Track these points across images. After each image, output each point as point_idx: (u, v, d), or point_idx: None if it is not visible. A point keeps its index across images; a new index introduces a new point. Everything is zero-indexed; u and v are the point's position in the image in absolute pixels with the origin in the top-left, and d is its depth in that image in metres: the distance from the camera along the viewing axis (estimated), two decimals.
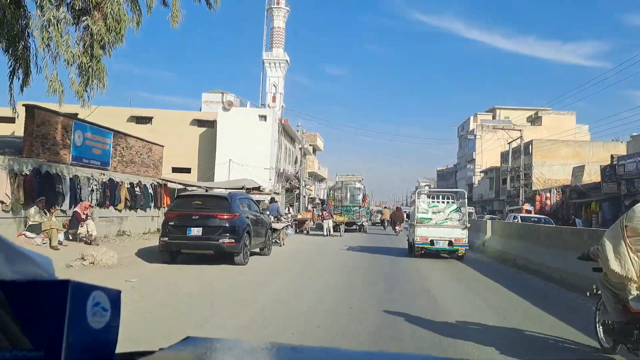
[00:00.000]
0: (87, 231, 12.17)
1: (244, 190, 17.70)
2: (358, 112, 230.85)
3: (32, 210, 11.01)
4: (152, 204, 17.77)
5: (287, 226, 16.83)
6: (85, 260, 9.36)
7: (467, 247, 12.94)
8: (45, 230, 10.75)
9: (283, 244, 16.09)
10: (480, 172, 59.90)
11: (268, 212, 13.71)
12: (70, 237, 12.12)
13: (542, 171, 41.60)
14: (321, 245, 17.70)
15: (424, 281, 9.41)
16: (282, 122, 34.92)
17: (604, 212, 26.97)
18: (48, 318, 0.59)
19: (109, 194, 14.75)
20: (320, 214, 24.69)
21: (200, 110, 37.59)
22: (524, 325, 5.63)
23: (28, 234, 10.62)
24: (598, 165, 35.39)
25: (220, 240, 9.85)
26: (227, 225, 9.98)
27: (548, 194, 32.84)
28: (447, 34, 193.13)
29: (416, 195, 15.10)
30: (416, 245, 12.85)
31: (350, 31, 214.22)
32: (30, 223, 10.92)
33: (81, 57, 7.94)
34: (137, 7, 9.28)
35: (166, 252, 10.13)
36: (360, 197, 27.51)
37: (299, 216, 25.44)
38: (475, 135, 61.36)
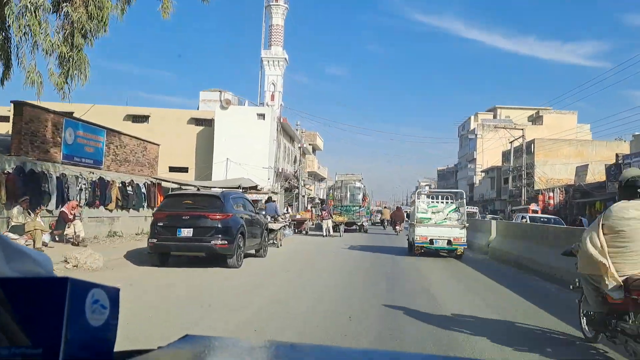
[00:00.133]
0: (75, 232, 11.65)
1: (241, 190, 17.16)
2: (358, 112, 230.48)
3: (15, 210, 10.48)
4: (146, 204, 17.24)
5: (284, 226, 16.28)
6: (68, 263, 8.84)
7: (466, 246, 13.23)
8: (29, 231, 10.22)
9: (280, 245, 15.58)
10: (481, 171, 59.45)
11: (264, 212, 13.18)
12: (57, 238, 11.61)
13: (544, 170, 41.11)
14: (320, 246, 17.29)
15: (423, 280, 9.56)
16: (281, 120, 34.40)
17: None
18: (47, 315, 0.59)
19: (99, 194, 14.22)
20: (320, 213, 24.15)
21: (198, 109, 37.07)
22: (516, 319, 5.94)
23: (10, 235, 10.06)
24: (601, 164, 34.91)
25: (212, 242, 9.33)
26: (219, 225, 9.45)
27: (551, 194, 32.31)
28: (447, 33, 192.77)
29: (416, 195, 15.41)
30: (416, 245, 13.17)
31: (350, 31, 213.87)
32: (12, 224, 10.39)
33: (61, 46, 7.41)
34: None
35: (155, 254, 9.60)
36: (360, 196, 26.99)
37: (298, 216, 24.90)
38: (476, 135, 60.88)
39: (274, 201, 19.76)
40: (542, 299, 7.27)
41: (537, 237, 10.49)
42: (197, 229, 9.37)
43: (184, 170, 32.66)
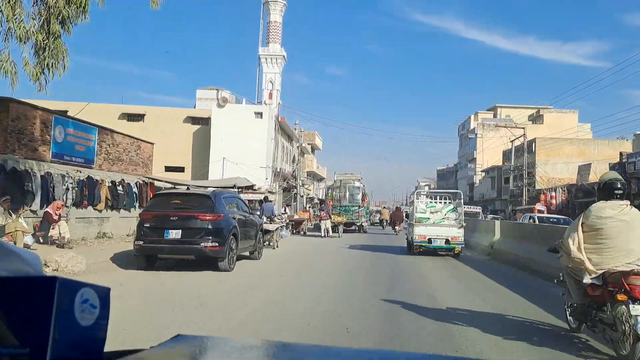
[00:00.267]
0: (59, 233, 11.09)
1: (236, 189, 16.61)
2: (358, 112, 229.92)
3: None
4: (137, 204, 16.68)
5: (281, 227, 15.73)
6: (47, 267, 8.28)
7: (463, 245, 13.65)
8: (9, 232, 9.66)
9: (277, 247, 15.07)
10: (482, 171, 58.96)
11: (259, 213, 12.63)
12: (41, 240, 11.04)
13: (545, 170, 40.60)
14: (318, 247, 16.84)
15: (422, 278, 9.84)
16: (279, 119, 33.82)
17: None
18: (35, 315, 0.59)
19: (87, 193, 13.65)
20: (318, 214, 23.61)
21: (194, 107, 36.49)
22: (507, 312, 6.30)
23: None
24: (604, 163, 34.44)
25: (202, 244, 8.78)
26: (209, 227, 8.91)
27: (553, 193, 31.77)
28: (447, 33, 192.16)
29: (415, 195, 15.84)
30: (415, 244, 13.59)
31: (349, 31, 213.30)
32: None
33: (36, 34, 6.88)
34: None
35: (141, 257, 9.05)
36: (359, 196, 26.45)
37: (296, 217, 24.36)
38: (476, 134, 60.36)
39: (271, 201, 19.22)
40: (535, 296, 7.45)
41: (546, 238, 9.94)
42: (186, 230, 8.82)
43: (180, 169, 32.11)
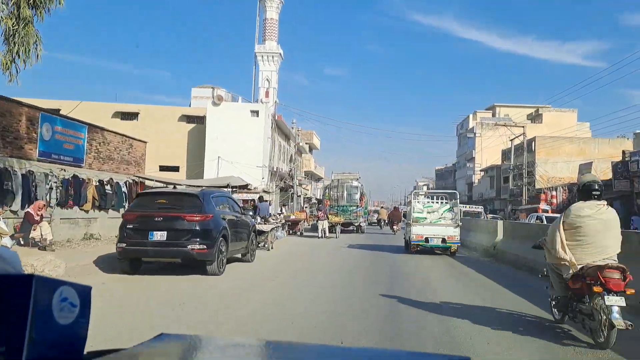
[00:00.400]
0: (41, 235, 10.53)
1: (229, 189, 16.04)
2: (356, 112, 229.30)
3: None
4: (127, 204, 16.11)
5: (276, 228, 15.18)
6: (24, 271, 7.69)
7: (459, 244, 14.00)
8: None
9: (271, 248, 14.53)
10: (480, 170, 58.51)
11: (252, 213, 12.09)
12: (22, 242, 10.47)
13: (545, 169, 40.14)
14: (315, 248, 16.36)
15: (420, 275, 10.24)
16: (276, 118, 33.25)
17: (615, 211, 25.37)
18: (11, 313, 0.58)
19: (72, 193, 13.06)
20: (316, 213, 23.05)
21: (189, 106, 35.90)
22: (498, 306, 6.63)
23: None
24: (604, 162, 33.98)
25: (189, 246, 8.23)
26: (197, 228, 8.35)
27: (554, 192, 31.27)
28: (445, 34, 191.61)
29: (412, 195, 16.16)
30: (412, 243, 13.93)
31: (348, 31, 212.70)
32: None
33: (5, 19, 6.33)
34: None
35: (125, 260, 8.49)
36: (357, 196, 25.90)
37: (292, 217, 23.79)
38: (475, 134, 59.89)
39: (266, 201, 18.67)
40: (527, 292, 7.64)
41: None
42: (172, 231, 8.27)
43: (175, 169, 31.55)
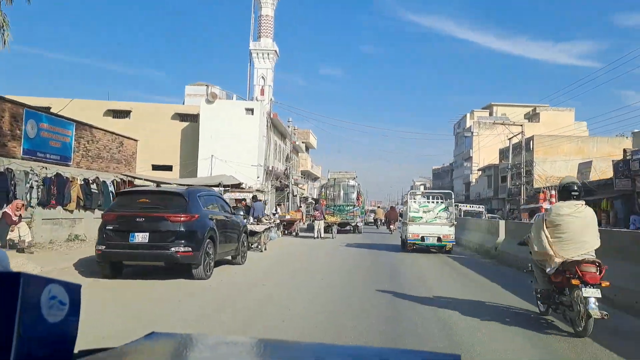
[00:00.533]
0: (19, 236, 9.94)
1: (221, 188, 15.52)
2: (354, 112, 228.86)
3: None
4: None
5: (269, 228, 14.64)
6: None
7: (454, 243, 14.42)
8: None
9: (265, 249, 13.99)
10: (478, 170, 58.13)
11: (242, 213, 11.53)
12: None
13: (544, 168, 39.72)
14: (310, 248, 15.88)
15: (416, 271, 10.69)
16: (271, 116, 32.65)
17: (615, 210, 24.99)
18: None
19: (55, 192, 12.46)
20: (312, 213, 22.50)
21: (183, 104, 35.26)
22: (487, 299, 6.98)
23: None
24: (604, 161, 33.61)
25: (173, 249, 7.67)
26: (182, 229, 7.80)
27: (553, 192, 30.73)
28: (442, 34, 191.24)
29: (409, 195, 16.63)
30: (408, 242, 14.34)
31: (345, 31, 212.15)
32: None
33: None
34: None
35: (105, 263, 7.93)
36: (354, 195, 25.38)
37: (288, 217, 23.23)
38: (472, 133, 59.48)
39: (260, 200, 18.11)
40: (518, 287, 7.79)
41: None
42: (155, 233, 7.71)
43: (168, 168, 30.94)
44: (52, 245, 11.89)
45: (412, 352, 0.94)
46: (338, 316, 5.81)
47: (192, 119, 31.75)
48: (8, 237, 9.98)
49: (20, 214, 10.26)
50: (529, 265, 6.03)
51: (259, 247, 13.81)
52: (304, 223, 24.87)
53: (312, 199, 42.57)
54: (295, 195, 40.18)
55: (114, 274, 8.00)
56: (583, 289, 4.80)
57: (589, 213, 5.32)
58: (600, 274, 4.91)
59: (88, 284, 7.61)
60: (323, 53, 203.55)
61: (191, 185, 12.71)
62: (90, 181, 14.42)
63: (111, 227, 7.76)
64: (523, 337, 4.98)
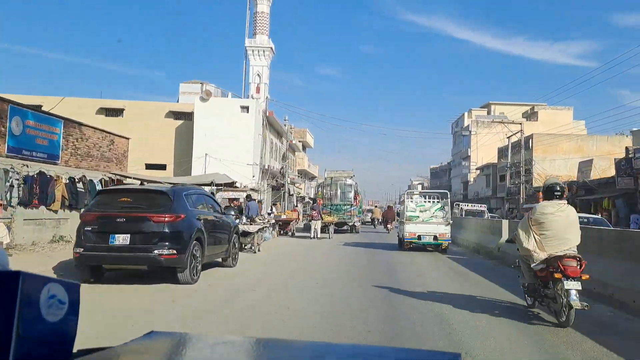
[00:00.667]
0: None
1: (214, 187, 14.98)
2: (351, 112, 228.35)
3: None
4: None
5: (263, 229, 14.11)
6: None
7: (450, 241, 14.75)
8: None
9: (258, 250, 13.46)
10: (476, 169, 57.72)
11: (233, 213, 11.01)
12: None
13: (543, 167, 39.29)
14: (306, 249, 15.43)
15: (413, 268, 11.15)
16: (267, 114, 32.09)
17: (617, 209, 24.54)
18: None
19: (37, 191, 11.90)
20: (309, 212, 21.98)
21: (178, 102, 34.65)
22: (477, 294, 7.37)
23: None
24: (603, 159, 33.21)
25: (156, 252, 7.14)
26: (166, 230, 7.26)
27: None
28: (439, 34, 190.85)
29: (406, 195, 16.93)
30: (405, 240, 14.60)
31: (343, 30, 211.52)
32: None
33: None
34: None
35: (83, 267, 7.39)
36: (351, 194, 24.85)
37: (283, 216, 22.70)
38: (470, 132, 59.07)
39: (254, 199, 17.58)
40: (508, 283, 8.04)
41: (585, 243, 8.32)
42: (137, 234, 7.17)
43: (162, 167, 30.37)
44: (34, 247, 11.34)
45: (412, 351, 0.91)
46: (337, 316, 5.65)
47: (187, 117, 31.18)
48: None
49: None
50: (517, 261, 6.40)
51: (252, 248, 13.29)
52: (300, 222, 24.37)
53: (309, 198, 42.10)
54: (292, 195, 39.66)
55: (94, 278, 7.47)
56: (565, 282, 5.13)
57: (571, 212, 5.70)
58: (580, 268, 5.26)
59: None
60: (322, 53, 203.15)
61: (182, 183, 12.15)
62: (77, 180, 13.86)
63: (90, 228, 7.22)
64: (510, 326, 5.34)
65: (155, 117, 30.98)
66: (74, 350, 0.71)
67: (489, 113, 64.56)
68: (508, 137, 38.13)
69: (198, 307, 6.18)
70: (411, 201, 15.91)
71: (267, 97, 33.40)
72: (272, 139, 35.96)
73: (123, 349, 0.75)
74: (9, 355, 0.56)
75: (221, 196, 17.26)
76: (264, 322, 5.42)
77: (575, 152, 39.53)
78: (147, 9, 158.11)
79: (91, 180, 14.55)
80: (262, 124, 31.45)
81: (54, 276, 6.44)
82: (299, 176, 48.98)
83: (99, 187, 14.30)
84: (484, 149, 53.28)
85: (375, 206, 46.05)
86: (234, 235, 10.03)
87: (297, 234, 21.86)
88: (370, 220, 34.87)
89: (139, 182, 15.53)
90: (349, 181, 25.55)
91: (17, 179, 11.32)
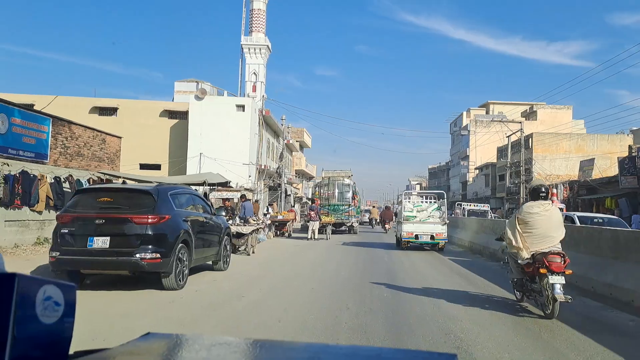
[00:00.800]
0: None
1: (207, 187, 14.44)
2: (351, 113, 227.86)
3: None
4: None
5: (257, 230, 13.58)
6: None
7: (447, 240, 15.03)
8: None
9: (252, 252, 12.94)
10: (475, 168, 57.28)
11: (224, 213, 10.47)
12: None
13: (543, 166, 38.86)
14: (303, 250, 14.97)
15: (410, 265, 11.69)
16: (264, 113, 31.55)
17: (620, 209, 24.07)
18: None
19: (20, 191, 11.35)
20: (307, 213, 21.47)
21: (173, 100, 34.09)
22: (471, 289, 7.81)
23: None
24: (604, 158, 32.81)
25: (138, 255, 6.60)
26: (149, 232, 6.73)
27: (555, 190, 29.88)
28: (437, 34, 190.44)
29: (403, 195, 17.18)
30: (403, 240, 14.93)
31: (340, 31, 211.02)
32: None
33: None
34: None
35: (60, 273, 6.86)
36: (349, 194, 24.34)
37: (280, 217, 22.17)
38: (469, 131, 58.62)
39: (249, 199, 17.05)
40: (501, 279, 8.35)
41: (589, 244, 7.83)
42: (117, 237, 6.63)
43: (156, 167, 29.80)
44: (16, 249, 10.81)
45: (409, 352, 0.93)
46: (333, 334, 5.01)
47: (182, 116, 30.63)
48: None
49: None
50: (505, 257, 6.78)
51: (246, 250, 12.77)
52: (297, 223, 23.85)
53: (307, 198, 41.55)
54: (289, 195, 39.11)
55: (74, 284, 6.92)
56: (550, 277, 5.47)
57: (555, 211, 6.10)
58: (564, 263, 5.59)
59: None
60: (318, 53, 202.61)
61: (168, 183, 11.60)
62: (63, 180, 13.30)
63: (66, 231, 6.68)
64: (499, 318, 5.71)
65: (150, 116, 30.43)
66: (70, 352, 0.70)
67: (487, 112, 64.15)
68: (508, 136, 37.68)
69: (179, 317, 5.64)
70: (409, 201, 16.25)
71: (263, 96, 32.84)
72: (268, 139, 35.43)
73: (120, 350, 0.75)
74: (5, 357, 0.55)
75: (215, 196, 16.74)
76: (248, 336, 4.90)
77: (576, 151, 39.14)
78: (141, 6, 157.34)
79: (78, 180, 14.01)
80: (259, 123, 30.91)
81: None
82: (296, 176, 48.44)
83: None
84: (483, 148, 52.88)
85: (373, 206, 45.80)
86: (225, 237, 9.50)
87: (294, 235, 21.35)
88: (368, 220, 34.90)
89: (131, 181, 14.99)
90: (346, 181, 25.06)
91: None
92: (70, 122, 17.54)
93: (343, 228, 24.06)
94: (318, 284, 8.16)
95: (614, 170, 29.51)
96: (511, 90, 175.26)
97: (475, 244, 14.83)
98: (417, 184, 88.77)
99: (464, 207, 29.35)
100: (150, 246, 6.69)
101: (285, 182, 32.65)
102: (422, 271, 10.33)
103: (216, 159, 26.21)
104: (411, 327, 5.22)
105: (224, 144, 27.96)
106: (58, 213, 7.11)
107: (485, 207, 29.38)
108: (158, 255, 6.69)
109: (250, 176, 29.17)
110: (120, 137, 21.38)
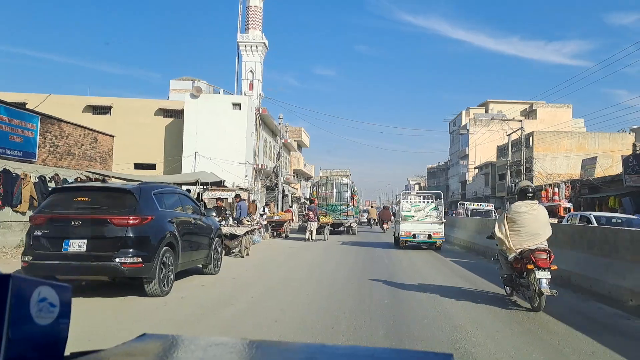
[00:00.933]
0: None
1: (200, 187, 13.91)
2: (350, 113, 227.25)
3: None
4: None
5: (252, 231, 13.07)
6: None
7: (444, 240, 15.50)
8: None
9: (247, 254, 12.43)
10: (475, 168, 56.83)
11: (214, 214, 9.98)
12: None
13: (544, 165, 38.41)
14: (299, 252, 14.50)
15: (408, 263, 12.01)
16: (260, 111, 31.02)
17: (624, 208, 23.59)
18: None
19: (1, 191, 10.83)
20: (305, 213, 20.97)
21: (168, 99, 33.53)
22: (463, 285, 8.26)
23: None
24: (606, 157, 32.39)
25: (118, 260, 6.09)
26: (130, 235, 6.21)
27: (556, 189, 29.40)
28: (435, 34, 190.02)
29: (401, 195, 17.55)
30: (401, 239, 15.33)
31: (338, 31, 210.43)
32: None
33: None
34: None
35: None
36: (348, 194, 23.82)
37: (277, 217, 21.65)
38: (468, 130, 58.17)
39: (244, 199, 16.53)
40: (492, 276, 8.61)
41: (603, 246, 7.32)
42: (95, 240, 6.11)
43: (151, 167, 29.27)
44: None
45: (405, 352, 0.93)
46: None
47: (177, 114, 30.10)
48: None
49: None
50: (495, 254, 7.12)
51: (240, 252, 12.25)
52: (295, 223, 23.34)
53: (305, 198, 41.02)
54: (287, 195, 38.60)
55: None
56: (536, 272, 5.79)
57: (542, 211, 6.40)
58: (550, 259, 5.88)
59: None
60: (316, 53, 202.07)
61: (153, 182, 11.07)
62: (48, 179, 12.77)
63: (40, 233, 6.16)
64: (488, 311, 6.10)
65: (144, 115, 29.90)
66: (66, 353, 0.69)
67: (487, 111, 63.73)
68: (508, 135, 37.21)
69: (159, 327, 5.12)
70: (406, 201, 16.54)
71: (260, 94, 32.30)
72: (266, 138, 34.90)
73: (115, 351, 0.74)
74: (0, 358, 0.54)
75: (208, 196, 16.22)
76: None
77: (577, 150, 38.71)
78: (138, 4, 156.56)
79: (65, 179, 13.50)
80: (255, 122, 30.39)
81: None
82: (294, 176, 47.91)
83: None
84: (482, 147, 52.46)
85: (372, 207, 45.37)
86: (216, 239, 8.98)
87: (291, 235, 20.85)
88: (366, 220, 34.83)
89: (121, 180, 14.46)
90: (345, 180, 24.54)
91: None
92: (60, 120, 17.01)
93: (341, 228, 23.58)
94: (315, 287, 7.65)
95: (616, 169, 29.06)
96: (510, 89, 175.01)
97: (471, 243, 15.24)
98: (416, 183, 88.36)
99: (466, 207, 28.83)
100: (131, 250, 6.17)
101: (283, 182, 32.10)
102: (420, 269, 10.65)
103: (212, 158, 25.68)
104: (406, 322, 5.49)
105: (220, 142, 27.44)
106: (32, 214, 6.58)
107: (490, 206, 28.82)
108: (140, 259, 6.18)
109: (247, 176, 28.66)
110: (113, 136, 20.85)
